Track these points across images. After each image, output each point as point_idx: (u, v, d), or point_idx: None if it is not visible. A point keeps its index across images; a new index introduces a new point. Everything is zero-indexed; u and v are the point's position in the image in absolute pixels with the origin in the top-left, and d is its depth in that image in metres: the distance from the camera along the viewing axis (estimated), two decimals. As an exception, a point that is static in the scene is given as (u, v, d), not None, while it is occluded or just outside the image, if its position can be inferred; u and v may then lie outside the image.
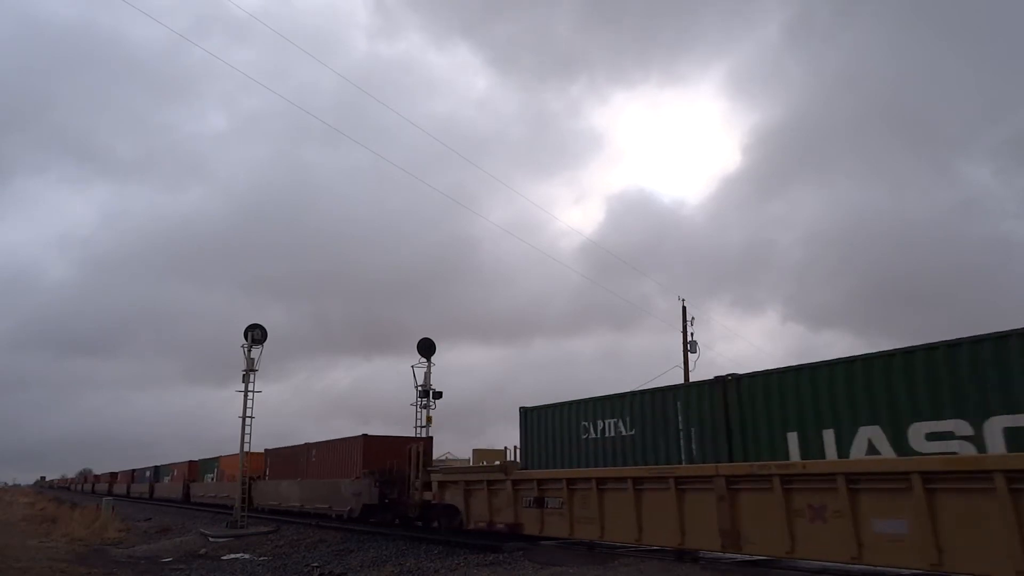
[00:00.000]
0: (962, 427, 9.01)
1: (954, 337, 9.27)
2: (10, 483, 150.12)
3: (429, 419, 25.28)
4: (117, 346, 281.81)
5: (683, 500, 10.89)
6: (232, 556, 18.56)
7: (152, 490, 52.37)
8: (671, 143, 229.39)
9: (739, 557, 10.94)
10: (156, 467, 52.89)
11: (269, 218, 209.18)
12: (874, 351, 10.28)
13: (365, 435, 22.37)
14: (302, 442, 27.28)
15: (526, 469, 15.84)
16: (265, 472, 30.85)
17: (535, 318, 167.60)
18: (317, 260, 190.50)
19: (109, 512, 30.88)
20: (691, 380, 24.67)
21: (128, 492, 60.08)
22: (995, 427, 8.69)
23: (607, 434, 14.48)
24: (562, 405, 15.82)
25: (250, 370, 26.28)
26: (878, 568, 8.94)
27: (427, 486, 18.13)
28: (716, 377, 12.60)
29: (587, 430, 14.94)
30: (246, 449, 26.34)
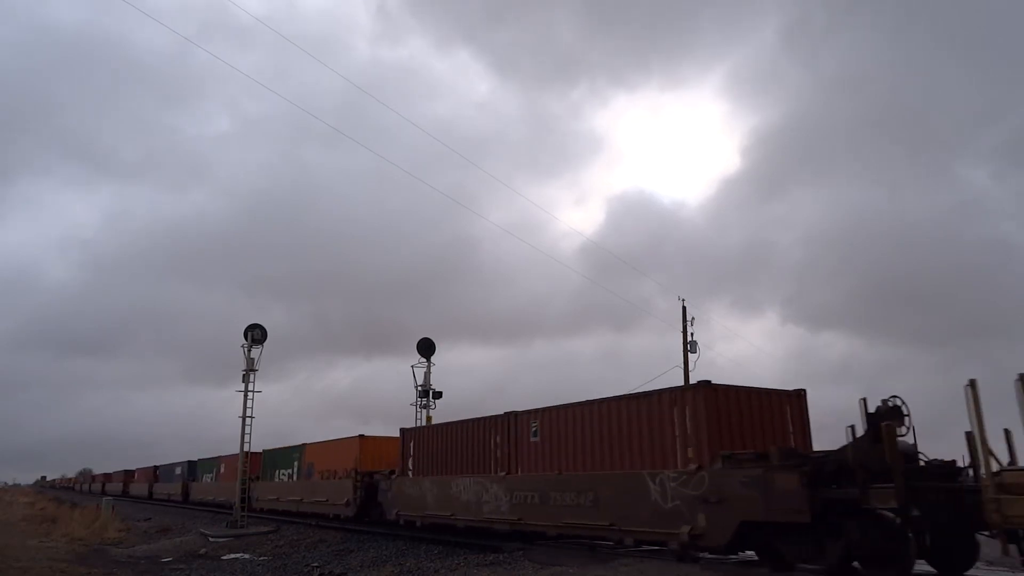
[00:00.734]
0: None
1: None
2: (10, 483, 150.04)
3: (429, 419, 25.30)
4: (117, 346, 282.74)
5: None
6: (232, 556, 18.56)
7: (187, 491, 40.27)
8: (671, 145, 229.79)
9: (740, 557, 10.94)
10: (190, 462, 41.31)
11: (270, 219, 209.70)
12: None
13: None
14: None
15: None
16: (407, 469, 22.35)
17: (535, 318, 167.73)
18: (317, 260, 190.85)
19: (109, 512, 30.85)
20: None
21: (150, 494, 49.76)
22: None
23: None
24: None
25: (250, 370, 26.31)
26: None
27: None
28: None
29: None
30: (246, 449, 26.36)
